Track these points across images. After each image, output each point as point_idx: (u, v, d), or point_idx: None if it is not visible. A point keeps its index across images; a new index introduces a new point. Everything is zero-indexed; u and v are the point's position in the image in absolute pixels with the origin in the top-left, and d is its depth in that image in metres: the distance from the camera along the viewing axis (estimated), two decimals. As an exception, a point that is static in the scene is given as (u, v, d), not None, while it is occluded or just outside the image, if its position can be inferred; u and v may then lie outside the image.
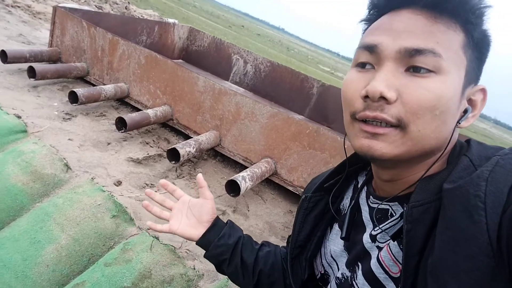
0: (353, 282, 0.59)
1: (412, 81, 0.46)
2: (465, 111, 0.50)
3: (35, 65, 2.02)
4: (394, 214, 0.54)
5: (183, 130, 2.01)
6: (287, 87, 3.22)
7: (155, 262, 1.11)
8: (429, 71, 0.46)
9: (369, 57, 0.50)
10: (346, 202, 0.67)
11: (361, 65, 0.52)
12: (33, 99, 1.94)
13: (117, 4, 5.93)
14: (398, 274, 0.51)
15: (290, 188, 1.76)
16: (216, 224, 0.80)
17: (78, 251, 1.15)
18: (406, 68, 0.47)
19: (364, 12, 0.58)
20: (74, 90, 1.86)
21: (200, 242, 0.78)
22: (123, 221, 1.28)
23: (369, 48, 0.50)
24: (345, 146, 0.63)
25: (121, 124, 1.79)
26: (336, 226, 0.68)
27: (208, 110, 1.91)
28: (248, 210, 1.65)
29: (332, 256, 0.67)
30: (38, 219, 1.19)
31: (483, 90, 0.52)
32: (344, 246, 0.64)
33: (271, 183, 1.86)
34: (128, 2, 6.40)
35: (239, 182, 1.50)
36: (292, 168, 1.75)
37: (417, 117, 0.46)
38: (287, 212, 1.73)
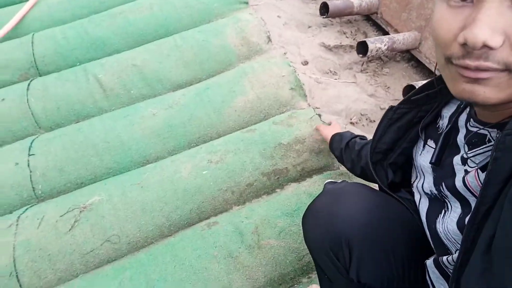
0: (444, 199, 0.61)
1: None
2: None
3: None
4: (492, 140, 0.51)
5: (384, 27, 1.93)
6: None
7: (310, 134, 1.28)
8: None
9: None
10: (445, 121, 0.63)
11: None
12: (261, -25, 2.19)
13: None
14: None
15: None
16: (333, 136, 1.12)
17: (258, 107, 1.42)
18: None
19: None
20: (293, -30, 2.00)
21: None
22: (297, 95, 1.47)
23: None
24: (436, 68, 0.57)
25: (324, 9, 1.87)
26: (431, 144, 0.66)
27: (416, 7, 1.75)
28: (422, 122, 1.58)
29: (422, 170, 0.67)
30: (237, 74, 1.50)
31: None
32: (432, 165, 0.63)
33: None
34: None
35: (418, 89, 1.43)
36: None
37: None
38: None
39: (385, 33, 1.94)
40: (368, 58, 1.75)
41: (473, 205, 0.53)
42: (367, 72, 1.74)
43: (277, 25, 1.81)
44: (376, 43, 1.63)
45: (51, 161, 1.28)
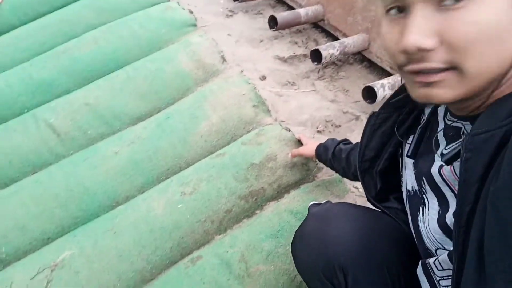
0: (423, 195, 0.61)
1: (450, 16, 0.40)
2: None
3: (207, -37, 2.22)
4: (466, 133, 0.51)
5: (332, 32, 1.98)
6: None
7: (282, 149, 1.27)
8: None
9: (397, 1, 0.44)
10: (427, 117, 0.64)
11: (393, 11, 0.46)
12: (204, -4, 2.19)
13: None
14: None
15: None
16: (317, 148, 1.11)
17: (224, 129, 1.40)
18: (439, 2, 0.40)
19: None
20: (236, -13, 2.01)
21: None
22: (261, 111, 1.46)
23: None
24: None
25: (273, 22, 1.89)
26: (410, 140, 0.66)
27: (360, 11, 1.80)
28: (384, 119, 1.62)
29: (405, 168, 0.67)
30: (197, 99, 1.47)
31: None
32: (413, 161, 0.64)
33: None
34: None
35: (376, 90, 1.46)
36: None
37: (469, 53, 0.40)
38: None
39: (335, 38, 1.99)
40: (323, 64, 1.78)
41: (450, 201, 0.54)
42: (325, 78, 1.76)
43: (229, 43, 1.81)
44: (329, 49, 1.66)
45: (11, 221, 1.18)
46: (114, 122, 1.46)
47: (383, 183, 0.75)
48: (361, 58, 1.92)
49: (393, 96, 0.66)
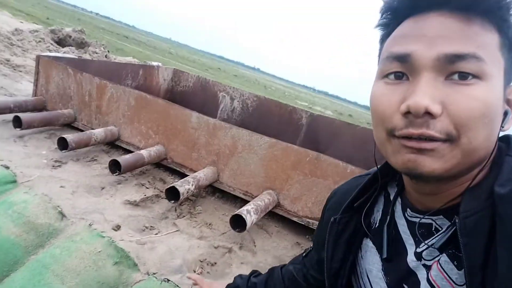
0: None
1: (456, 90, 0.43)
2: (505, 113, 0.48)
3: (21, 115, 1.96)
4: (440, 229, 0.51)
5: (178, 169, 1.95)
6: (276, 120, 3.23)
7: (167, 308, 1.03)
8: (474, 77, 0.42)
9: (401, 68, 0.46)
10: (377, 215, 0.63)
11: (393, 76, 0.47)
12: (20, 148, 1.87)
13: (96, 53, 5.98)
14: None
15: (295, 219, 1.70)
16: None
17: (80, 305, 1.05)
18: (447, 76, 0.43)
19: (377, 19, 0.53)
20: (64, 136, 1.80)
21: None
22: (126, 267, 1.19)
23: (401, 58, 0.46)
24: (376, 159, 0.60)
25: (114, 167, 1.73)
26: (368, 243, 0.63)
27: (204, 146, 1.87)
28: (255, 246, 1.58)
29: (368, 277, 0.62)
30: (35, 272, 1.10)
31: None
32: (382, 267, 0.59)
33: (274, 215, 1.80)
34: (108, 51, 6.48)
35: (244, 216, 1.44)
36: (295, 198, 1.70)
37: (468, 128, 0.42)
38: (294, 245, 1.66)
39: (181, 174, 1.96)
40: (178, 202, 1.68)
41: None
42: (184, 216, 1.65)
43: (65, 196, 1.51)
44: (184, 185, 1.60)
45: None
46: None
47: None
48: (213, 189, 1.93)
49: (355, 199, 0.63)
